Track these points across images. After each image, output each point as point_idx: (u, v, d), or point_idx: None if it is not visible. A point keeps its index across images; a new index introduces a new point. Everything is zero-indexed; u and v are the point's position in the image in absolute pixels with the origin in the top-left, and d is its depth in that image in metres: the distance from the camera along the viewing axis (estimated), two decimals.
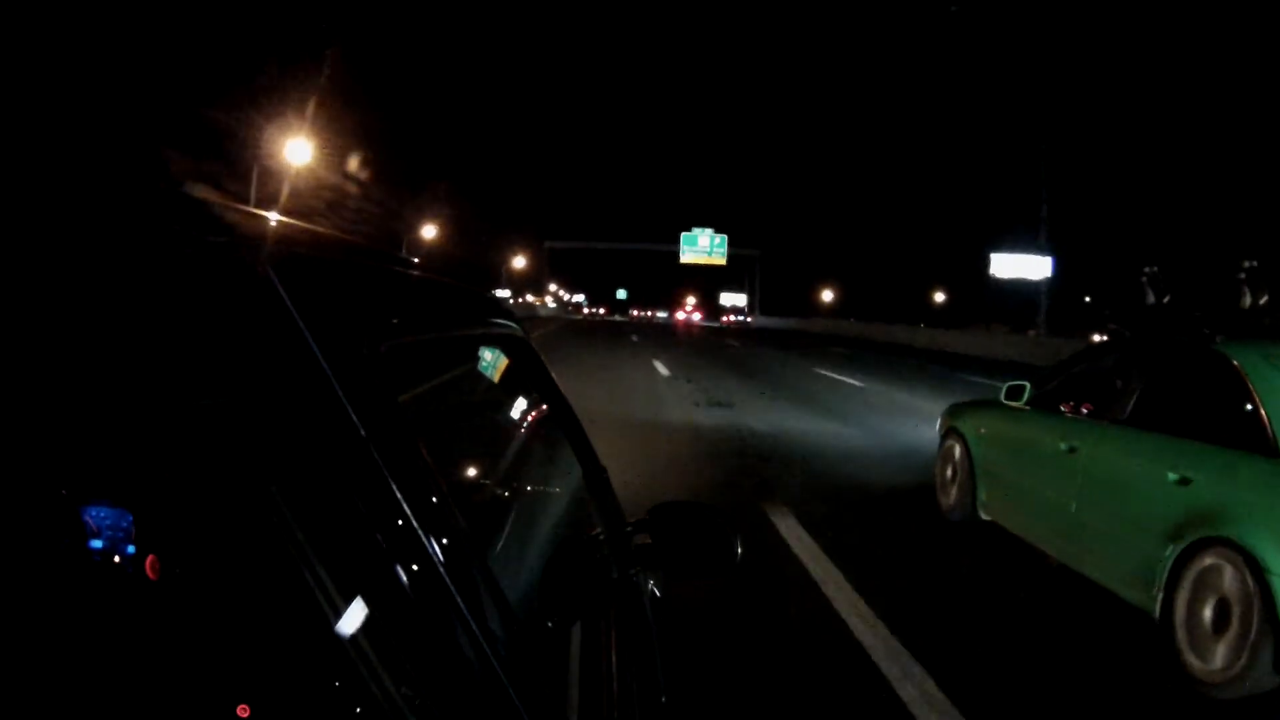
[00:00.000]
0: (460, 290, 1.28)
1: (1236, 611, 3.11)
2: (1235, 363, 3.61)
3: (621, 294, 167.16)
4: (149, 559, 0.57)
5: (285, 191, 18.78)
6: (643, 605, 1.54)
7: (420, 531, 0.69)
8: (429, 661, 0.65)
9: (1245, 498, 3.25)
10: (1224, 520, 3.23)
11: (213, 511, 0.60)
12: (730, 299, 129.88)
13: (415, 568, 0.67)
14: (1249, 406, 3.43)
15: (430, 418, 1.07)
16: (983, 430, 5.48)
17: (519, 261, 74.67)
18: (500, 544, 1.19)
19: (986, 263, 44.89)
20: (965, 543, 5.28)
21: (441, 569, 0.70)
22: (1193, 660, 3.30)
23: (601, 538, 1.50)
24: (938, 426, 6.28)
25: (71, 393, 0.54)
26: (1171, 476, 3.56)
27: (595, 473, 1.64)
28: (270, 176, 19.10)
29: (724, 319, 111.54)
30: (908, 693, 3.09)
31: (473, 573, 0.78)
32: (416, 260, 1.23)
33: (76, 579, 0.56)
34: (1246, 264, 5.35)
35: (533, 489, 1.59)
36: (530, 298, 77.83)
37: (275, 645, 0.59)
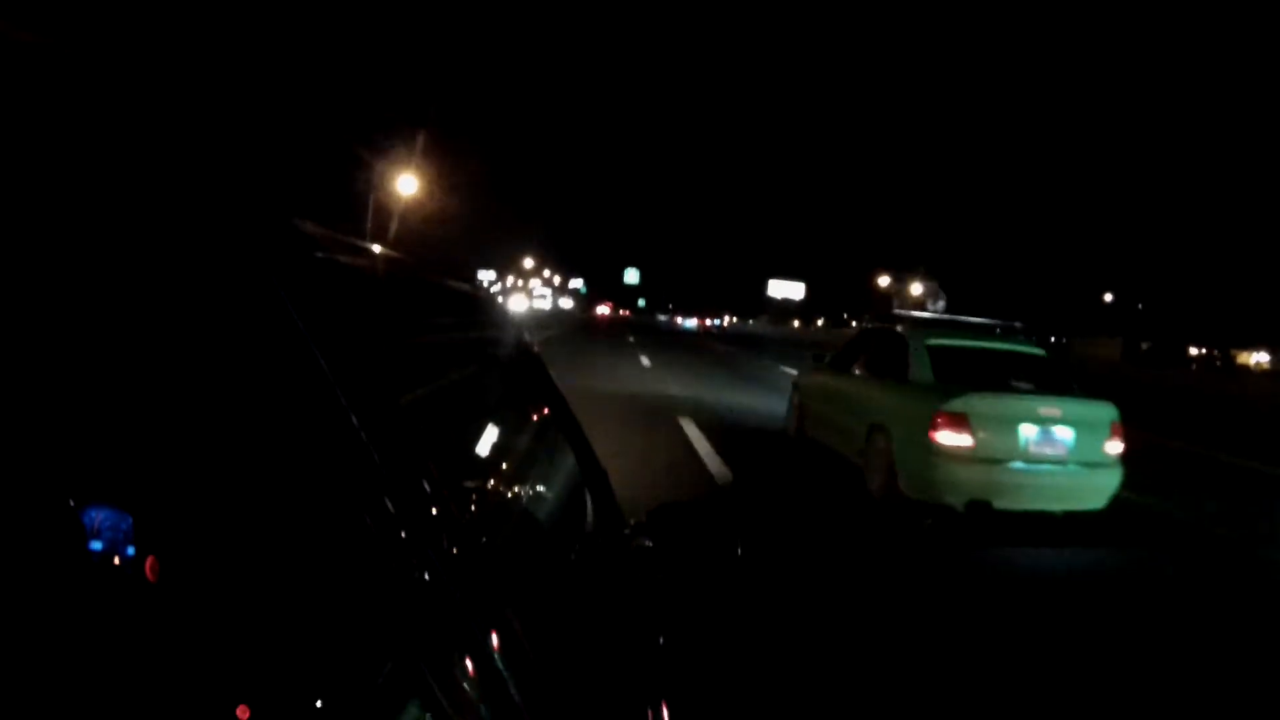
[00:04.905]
0: (462, 293, 1.29)
1: (885, 459, 6.79)
2: (905, 340, 7.44)
3: (632, 276, 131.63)
4: (148, 561, 0.56)
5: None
6: (643, 608, 1.54)
7: (420, 533, 0.68)
8: (427, 663, 0.65)
9: (889, 403, 7.09)
10: (881, 414, 7.08)
11: (213, 513, 0.60)
12: (782, 289, 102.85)
13: (414, 569, 0.67)
14: (903, 362, 7.20)
15: (430, 419, 1.07)
16: (806, 383, 9.76)
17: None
18: (500, 546, 1.18)
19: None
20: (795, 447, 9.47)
21: (441, 570, 0.70)
22: (870, 484, 7.06)
23: (601, 541, 1.49)
24: (792, 383, 10.44)
25: (72, 394, 0.54)
26: (866, 395, 7.71)
27: (595, 475, 1.64)
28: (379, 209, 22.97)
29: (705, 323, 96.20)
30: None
31: (472, 575, 0.78)
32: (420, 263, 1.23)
33: (76, 581, 0.56)
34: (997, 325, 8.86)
35: (533, 491, 1.58)
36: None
37: (275, 647, 0.59)
